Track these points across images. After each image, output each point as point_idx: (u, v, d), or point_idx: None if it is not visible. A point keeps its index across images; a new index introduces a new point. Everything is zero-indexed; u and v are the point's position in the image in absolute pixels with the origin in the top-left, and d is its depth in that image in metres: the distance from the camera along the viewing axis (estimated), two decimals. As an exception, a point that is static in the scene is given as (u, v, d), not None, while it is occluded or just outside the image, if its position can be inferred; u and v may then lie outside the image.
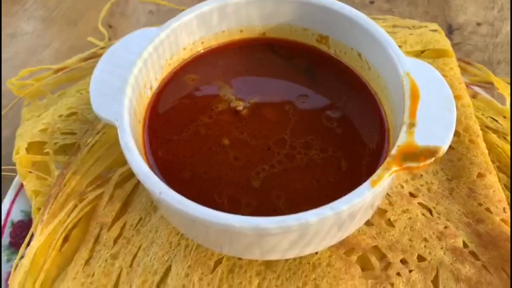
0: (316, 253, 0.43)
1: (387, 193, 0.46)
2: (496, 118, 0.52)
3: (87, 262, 0.44)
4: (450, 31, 0.70)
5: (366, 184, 0.36)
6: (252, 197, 0.40)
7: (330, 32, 0.46)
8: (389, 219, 0.45)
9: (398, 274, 0.42)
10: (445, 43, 0.55)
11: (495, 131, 0.52)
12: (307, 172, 0.41)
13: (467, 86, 0.54)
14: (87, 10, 0.75)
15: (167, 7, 0.71)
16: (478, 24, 0.71)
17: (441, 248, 0.44)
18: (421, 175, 0.48)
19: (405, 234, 0.44)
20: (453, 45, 0.57)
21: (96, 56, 0.59)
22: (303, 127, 0.43)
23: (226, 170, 0.41)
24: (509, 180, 0.48)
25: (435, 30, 0.57)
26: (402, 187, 0.47)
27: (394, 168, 0.36)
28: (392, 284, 0.42)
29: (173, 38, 0.45)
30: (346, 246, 0.43)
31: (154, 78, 0.45)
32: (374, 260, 0.43)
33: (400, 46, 0.43)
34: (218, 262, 0.43)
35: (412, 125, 0.38)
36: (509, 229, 0.44)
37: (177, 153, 0.42)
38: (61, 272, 0.45)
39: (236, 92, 0.46)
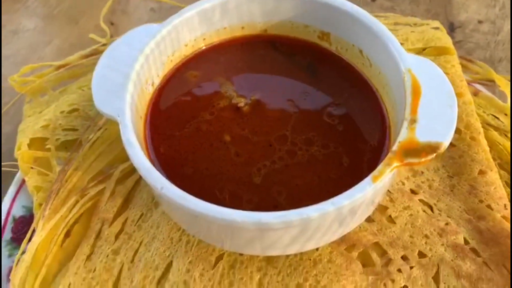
0: (317, 249, 0.43)
1: (388, 190, 0.46)
2: (497, 116, 0.52)
3: (88, 257, 0.45)
4: (451, 29, 0.70)
5: (367, 179, 0.36)
6: (253, 193, 0.40)
7: (331, 29, 0.46)
8: (390, 216, 0.45)
9: (399, 270, 0.42)
10: (446, 41, 0.55)
11: (496, 129, 0.52)
12: (308, 168, 0.41)
13: (468, 83, 0.54)
14: (88, 7, 0.75)
15: (169, 4, 0.71)
16: (480, 22, 0.71)
17: (442, 244, 0.44)
18: (422, 172, 0.48)
19: (406, 230, 0.44)
20: (455, 43, 0.57)
21: (97, 53, 0.59)
22: (305, 123, 0.43)
23: (228, 166, 0.41)
24: (510, 177, 0.49)
25: (436, 28, 0.57)
26: (403, 184, 0.47)
27: (396, 163, 0.36)
28: (393, 281, 0.42)
29: (174, 34, 0.45)
30: (347, 243, 0.43)
31: (156, 74, 0.45)
32: (375, 256, 0.43)
33: (401, 44, 0.43)
34: (219, 258, 0.43)
35: (413, 121, 0.38)
36: (509, 226, 0.44)
37: (178, 149, 0.42)
38: (63, 267, 0.45)
39: (237, 88, 0.46)
